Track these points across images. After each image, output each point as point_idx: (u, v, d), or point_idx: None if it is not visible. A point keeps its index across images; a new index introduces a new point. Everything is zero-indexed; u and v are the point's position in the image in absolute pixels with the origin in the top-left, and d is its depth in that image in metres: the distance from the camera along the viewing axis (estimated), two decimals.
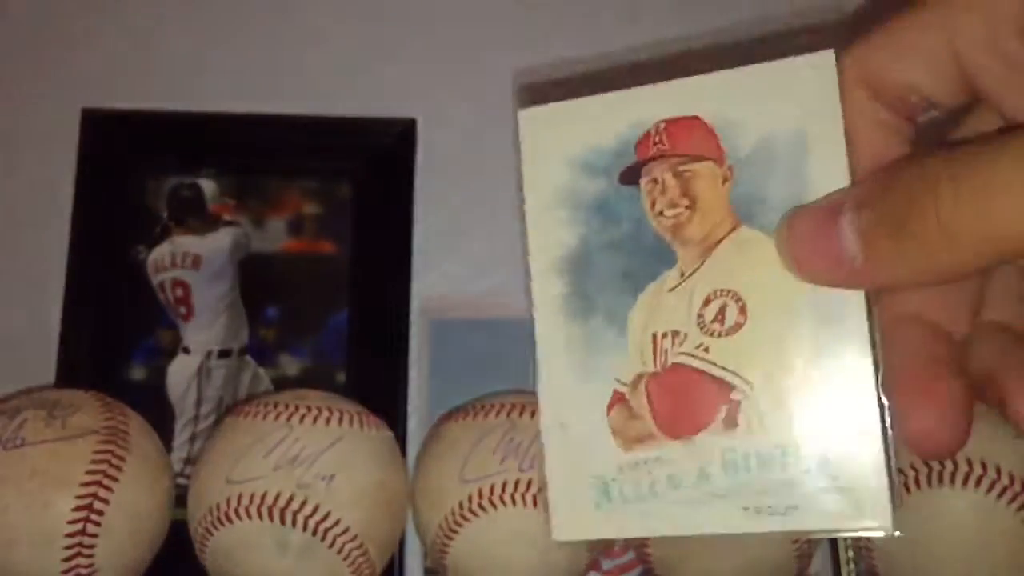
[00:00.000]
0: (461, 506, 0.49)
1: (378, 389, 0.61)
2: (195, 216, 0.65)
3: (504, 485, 0.49)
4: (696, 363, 0.28)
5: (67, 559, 0.47)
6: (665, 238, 0.29)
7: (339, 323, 0.63)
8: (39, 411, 0.50)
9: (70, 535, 0.47)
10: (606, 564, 0.58)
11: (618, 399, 0.29)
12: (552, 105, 0.30)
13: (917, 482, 0.47)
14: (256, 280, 0.64)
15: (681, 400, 0.28)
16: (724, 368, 0.28)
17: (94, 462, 0.48)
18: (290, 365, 0.63)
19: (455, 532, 0.50)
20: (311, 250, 0.65)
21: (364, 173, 0.65)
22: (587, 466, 0.29)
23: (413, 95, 0.68)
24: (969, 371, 0.27)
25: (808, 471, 0.27)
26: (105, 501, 0.48)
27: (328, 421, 0.50)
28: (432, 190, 0.66)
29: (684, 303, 0.28)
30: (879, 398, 0.27)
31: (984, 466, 0.46)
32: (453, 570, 0.51)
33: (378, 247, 0.64)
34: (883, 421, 0.27)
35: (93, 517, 0.47)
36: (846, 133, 0.27)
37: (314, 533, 0.48)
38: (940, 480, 0.47)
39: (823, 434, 0.27)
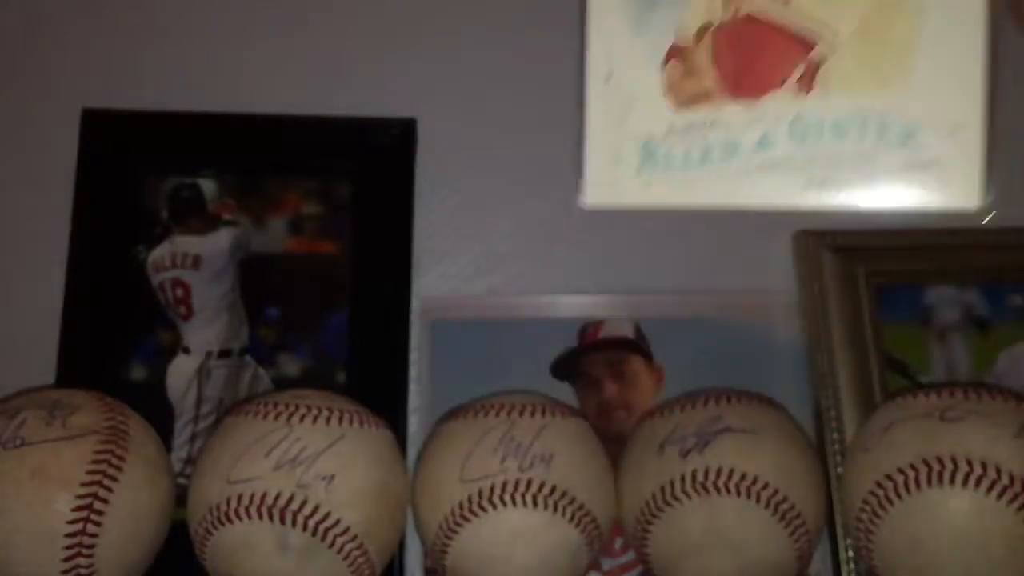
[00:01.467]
0: (461, 506, 0.49)
1: (378, 389, 0.61)
2: (195, 216, 0.65)
3: (504, 485, 0.49)
4: (775, 14, 0.24)
5: (67, 559, 0.47)
6: None
7: (339, 323, 0.63)
8: (39, 411, 0.50)
9: (70, 535, 0.47)
10: (606, 564, 0.58)
11: (676, 52, 0.24)
12: None
13: (917, 482, 0.47)
14: (256, 280, 0.64)
15: (751, 55, 0.24)
16: (810, 19, 0.23)
17: (94, 462, 0.48)
18: (290, 365, 0.63)
19: (455, 532, 0.50)
20: (311, 250, 0.65)
21: (364, 173, 0.65)
22: (632, 125, 0.24)
23: (413, 95, 0.68)
24: None
25: (889, 144, 0.23)
26: (105, 501, 0.48)
27: (328, 421, 0.50)
28: (432, 190, 0.66)
29: None
30: (985, 74, 0.23)
31: (984, 466, 0.46)
32: (453, 570, 0.51)
33: (378, 247, 0.64)
34: (985, 92, 0.22)
35: (93, 517, 0.47)
36: None
37: (314, 533, 0.48)
38: (940, 480, 0.47)
39: (916, 103, 0.23)
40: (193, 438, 0.61)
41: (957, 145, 0.23)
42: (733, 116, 0.24)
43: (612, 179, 0.25)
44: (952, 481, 0.47)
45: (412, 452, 0.58)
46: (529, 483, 0.49)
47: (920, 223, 0.65)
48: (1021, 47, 0.71)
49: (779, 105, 0.24)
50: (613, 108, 0.25)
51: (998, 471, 0.46)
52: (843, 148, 0.24)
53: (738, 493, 0.49)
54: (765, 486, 0.49)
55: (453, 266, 0.66)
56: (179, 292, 0.64)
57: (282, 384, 0.62)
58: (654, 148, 0.25)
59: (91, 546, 0.47)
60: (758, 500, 0.49)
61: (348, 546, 0.49)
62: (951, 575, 0.47)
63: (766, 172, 0.24)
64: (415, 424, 0.61)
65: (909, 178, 0.24)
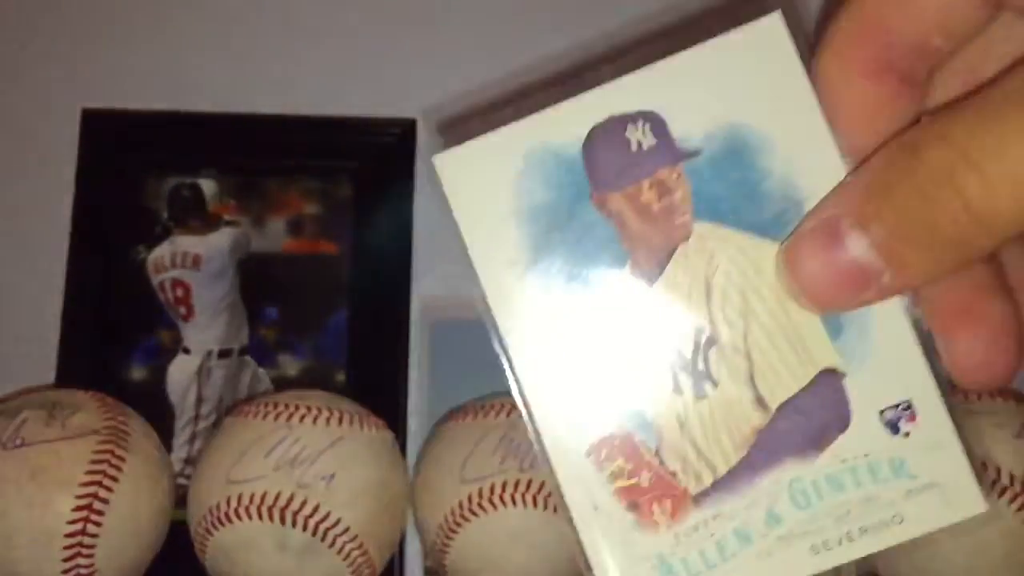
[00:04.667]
0: (461, 506, 0.49)
1: (378, 389, 0.61)
2: (195, 216, 0.65)
3: (504, 485, 0.49)
4: None
5: (67, 559, 0.47)
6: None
7: (339, 323, 0.63)
8: (39, 411, 0.50)
9: (70, 535, 0.47)
10: None
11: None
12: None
13: None
14: (256, 280, 0.64)
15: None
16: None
17: (94, 462, 0.48)
18: (290, 365, 0.63)
19: (455, 532, 0.50)
20: (311, 250, 0.65)
21: (364, 173, 0.65)
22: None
23: (413, 95, 0.68)
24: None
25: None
26: (105, 501, 0.48)
27: (328, 421, 0.50)
28: (432, 190, 0.66)
29: None
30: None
31: (984, 466, 0.46)
32: (453, 570, 0.51)
33: (378, 247, 0.64)
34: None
35: (93, 517, 0.47)
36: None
37: (314, 533, 0.48)
38: None
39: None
40: (193, 438, 0.61)
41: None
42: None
43: None
44: None
45: (412, 452, 0.58)
46: (529, 483, 0.49)
47: None
48: None
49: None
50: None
51: (998, 471, 0.46)
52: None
53: None
54: None
55: (453, 266, 0.66)
56: (179, 292, 0.64)
57: (282, 384, 0.62)
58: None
59: (91, 546, 0.47)
60: None
61: (348, 546, 0.49)
62: (951, 575, 0.47)
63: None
64: (415, 425, 0.61)
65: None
